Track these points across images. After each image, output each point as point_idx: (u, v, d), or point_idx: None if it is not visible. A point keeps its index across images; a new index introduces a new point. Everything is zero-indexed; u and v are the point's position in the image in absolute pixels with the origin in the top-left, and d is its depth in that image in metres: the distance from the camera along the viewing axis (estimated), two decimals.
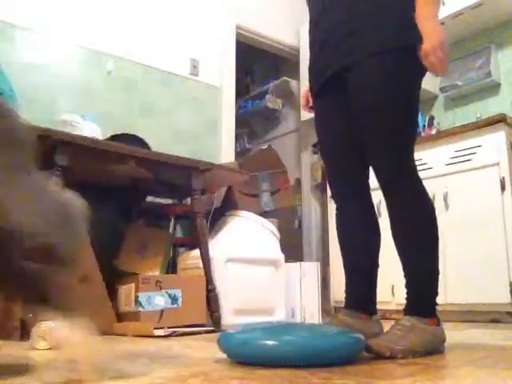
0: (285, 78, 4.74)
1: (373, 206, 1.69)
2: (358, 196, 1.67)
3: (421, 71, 1.54)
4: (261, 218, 2.93)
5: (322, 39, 1.62)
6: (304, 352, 1.17)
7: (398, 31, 1.48)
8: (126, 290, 2.41)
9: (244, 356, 1.24)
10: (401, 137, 1.51)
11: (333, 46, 1.57)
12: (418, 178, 1.53)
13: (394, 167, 1.51)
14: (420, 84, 1.56)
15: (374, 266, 1.67)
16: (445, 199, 3.08)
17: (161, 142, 3.37)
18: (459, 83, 3.72)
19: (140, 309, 2.28)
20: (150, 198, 3.24)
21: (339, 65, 1.56)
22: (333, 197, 1.74)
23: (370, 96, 1.49)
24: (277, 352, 1.17)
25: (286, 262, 2.90)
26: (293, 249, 4.20)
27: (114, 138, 2.75)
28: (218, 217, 3.03)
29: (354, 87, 1.54)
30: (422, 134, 3.73)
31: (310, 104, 1.82)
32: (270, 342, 1.19)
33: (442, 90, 3.86)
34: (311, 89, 1.74)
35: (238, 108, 4.90)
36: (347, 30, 1.53)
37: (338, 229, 1.73)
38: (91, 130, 2.74)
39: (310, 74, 1.73)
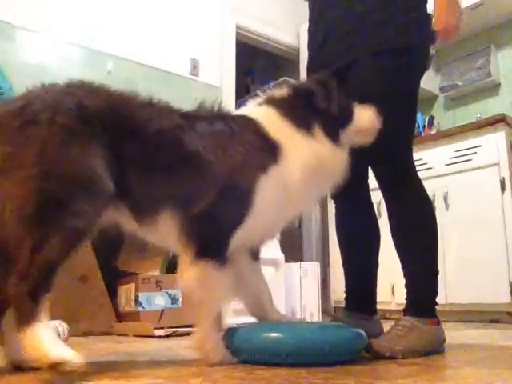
0: (285, 78, 4.73)
1: (372, 206, 1.69)
2: (357, 196, 1.67)
3: (419, 71, 1.55)
4: None
5: (322, 37, 1.62)
6: (308, 346, 1.18)
7: (398, 31, 1.48)
8: (126, 290, 2.41)
9: (247, 350, 1.23)
10: (400, 137, 1.51)
11: (333, 44, 1.57)
12: (417, 177, 1.53)
13: (393, 167, 1.51)
14: (419, 84, 1.56)
15: (373, 266, 1.67)
16: (445, 199, 3.08)
17: None
18: (459, 83, 3.72)
19: (140, 309, 2.28)
20: None
21: (339, 63, 1.55)
22: (332, 197, 1.74)
23: (368, 95, 1.49)
24: (280, 345, 1.18)
25: (286, 261, 2.90)
26: (293, 249, 4.20)
27: None
28: None
29: (353, 86, 1.54)
30: (422, 134, 3.73)
31: None
32: (274, 335, 1.20)
33: (441, 90, 3.86)
34: None
35: (238, 108, 4.89)
36: (348, 29, 1.53)
37: (337, 229, 1.73)
38: None
39: (308, 72, 1.72)
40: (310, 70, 1.71)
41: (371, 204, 1.69)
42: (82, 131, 1.08)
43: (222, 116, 1.28)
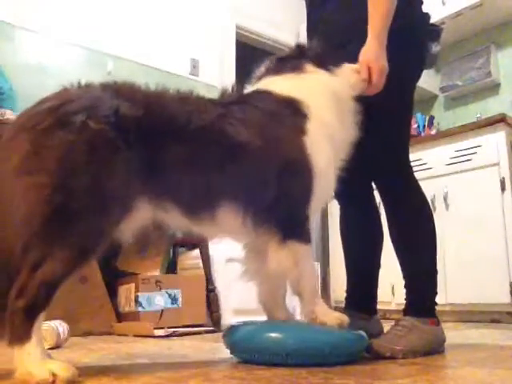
0: None
1: (376, 207, 1.68)
2: (360, 197, 1.67)
3: (416, 74, 1.55)
4: None
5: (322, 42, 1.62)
6: (308, 346, 1.18)
7: (392, 35, 1.47)
8: (126, 290, 2.41)
9: (248, 349, 1.23)
10: (397, 138, 1.52)
11: (345, 43, 1.56)
12: (414, 179, 1.54)
13: (391, 168, 1.52)
14: (415, 86, 1.57)
15: (375, 266, 1.67)
16: (445, 199, 3.08)
17: None
18: (459, 83, 3.72)
19: (140, 309, 2.28)
20: None
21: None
22: (336, 198, 1.74)
23: (366, 98, 1.49)
24: (281, 345, 1.17)
25: None
26: None
27: None
28: None
29: None
30: (422, 134, 3.73)
31: None
32: (274, 334, 1.19)
33: (442, 89, 3.86)
34: None
35: None
36: (348, 36, 1.52)
37: (341, 229, 1.72)
38: None
39: None
40: None
41: (375, 205, 1.68)
42: (115, 140, 1.03)
43: (245, 98, 1.31)
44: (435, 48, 1.60)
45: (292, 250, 1.22)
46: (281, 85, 1.33)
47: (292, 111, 1.27)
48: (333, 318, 1.24)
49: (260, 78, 1.42)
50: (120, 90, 1.13)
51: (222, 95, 1.30)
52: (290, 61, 1.41)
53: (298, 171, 1.23)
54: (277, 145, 1.22)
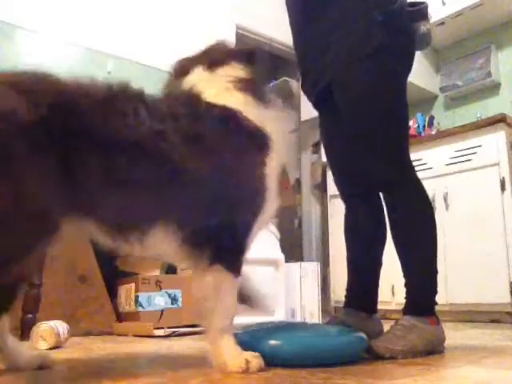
0: (285, 78, 4.74)
1: (381, 206, 1.67)
2: (364, 196, 1.66)
3: (404, 71, 1.54)
4: None
5: (306, 52, 1.64)
6: (308, 351, 1.18)
7: (361, 38, 1.46)
8: (126, 290, 2.41)
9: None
10: (393, 138, 1.51)
11: (318, 59, 1.57)
12: (416, 178, 1.53)
13: (391, 167, 1.51)
14: (405, 84, 1.55)
15: (376, 265, 1.67)
16: (445, 199, 3.08)
17: None
18: (459, 83, 3.72)
19: (140, 309, 2.28)
20: None
21: (327, 77, 1.55)
22: (341, 197, 1.74)
23: (356, 101, 1.49)
24: (280, 352, 1.17)
25: (286, 262, 2.90)
26: (293, 249, 4.20)
27: None
28: None
29: (340, 95, 1.54)
30: (422, 134, 3.73)
31: None
32: (273, 342, 1.19)
33: (442, 89, 3.86)
34: (308, 97, 1.73)
35: None
36: (321, 49, 1.54)
37: (345, 227, 1.72)
38: None
39: (303, 84, 1.71)
40: (304, 83, 1.71)
41: (379, 203, 1.67)
42: (13, 147, 0.90)
43: (204, 111, 1.16)
44: (424, 27, 1.55)
45: (215, 276, 1.12)
46: (255, 114, 1.21)
47: (257, 145, 1.17)
48: (238, 361, 1.08)
49: (233, 88, 1.28)
50: (25, 82, 0.99)
51: (170, 91, 1.21)
52: (262, 84, 1.33)
53: (253, 205, 1.14)
54: (233, 178, 1.11)
